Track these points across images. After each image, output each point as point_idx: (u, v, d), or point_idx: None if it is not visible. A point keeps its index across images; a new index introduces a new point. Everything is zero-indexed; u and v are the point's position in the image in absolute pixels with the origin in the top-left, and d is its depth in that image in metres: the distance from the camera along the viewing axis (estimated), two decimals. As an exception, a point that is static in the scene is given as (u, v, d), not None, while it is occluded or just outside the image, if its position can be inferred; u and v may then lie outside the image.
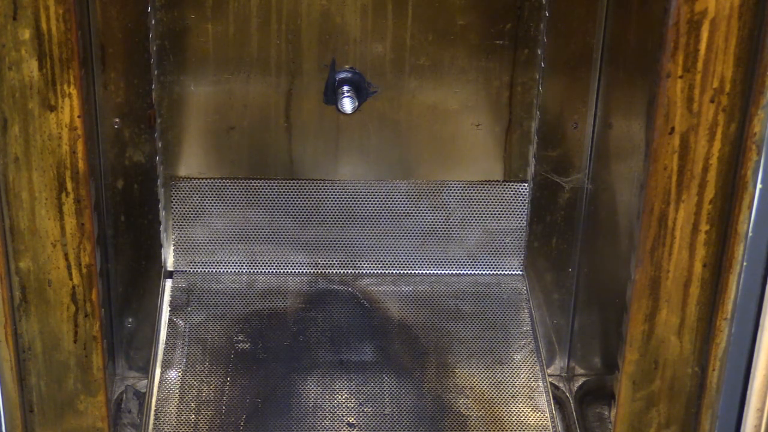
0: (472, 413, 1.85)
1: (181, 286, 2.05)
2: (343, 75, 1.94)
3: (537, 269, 2.08)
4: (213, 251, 2.07)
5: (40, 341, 1.59)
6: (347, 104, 1.93)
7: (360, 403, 1.86)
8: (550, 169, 2.00)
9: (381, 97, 1.96)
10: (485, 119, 1.99)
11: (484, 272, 2.10)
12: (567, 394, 2.04)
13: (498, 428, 1.83)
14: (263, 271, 2.09)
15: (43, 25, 1.43)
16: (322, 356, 1.94)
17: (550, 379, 1.98)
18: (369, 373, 1.91)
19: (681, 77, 1.46)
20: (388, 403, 1.86)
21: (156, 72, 1.91)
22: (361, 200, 2.04)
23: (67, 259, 1.54)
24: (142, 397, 1.94)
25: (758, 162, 1.51)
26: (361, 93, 1.95)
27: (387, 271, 2.10)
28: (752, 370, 1.63)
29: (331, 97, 1.95)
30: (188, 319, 2.00)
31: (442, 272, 2.10)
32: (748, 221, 1.55)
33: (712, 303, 1.61)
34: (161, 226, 2.02)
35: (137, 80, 1.89)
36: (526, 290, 2.07)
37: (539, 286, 2.08)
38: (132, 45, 1.86)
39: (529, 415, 1.85)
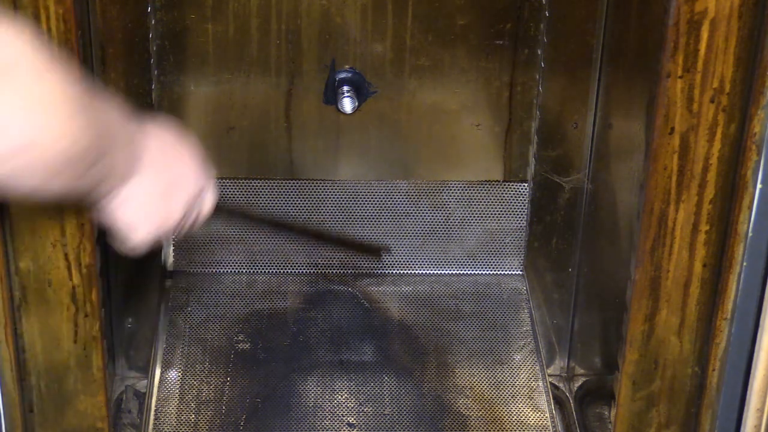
0: (472, 413, 1.85)
1: (181, 286, 2.05)
2: (343, 75, 1.94)
3: (537, 269, 2.08)
4: (213, 251, 2.07)
5: (40, 341, 1.59)
6: (347, 104, 1.93)
7: (360, 403, 1.86)
8: (550, 169, 2.00)
9: (381, 97, 1.96)
10: (485, 119, 1.99)
11: (484, 272, 2.10)
12: (567, 394, 2.03)
13: (498, 428, 1.83)
14: (263, 271, 2.09)
15: (43, 25, 1.43)
16: (322, 356, 1.94)
17: (550, 379, 1.98)
18: (369, 373, 1.91)
19: (681, 77, 1.46)
20: (388, 403, 1.86)
21: (156, 72, 1.91)
22: (361, 200, 2.04)
23: (67, 259, 1.54)
24: (142, 397, 1.94)
25: (758, 162, 1.51)
26: (361, 93, 1.95)
27: (387, 271, 2.10)
28: (752, 370, 1.63)
29: (331, 97, 1.95)
30: (188, 319, 2.00)
31: (442, 272, 2.10)
32: (748, 221, 1.55)
33: (712, 303, 1.61)
34: (161, 226, 2.02)
35: (137, 80, 1.89)
36: (526, 290, 2.07)
37: (539, 286, 2.08)
38: (132, 45, 1.86)
39: (529, 415, 1.85)
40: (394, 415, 1.84)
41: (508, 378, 1.91)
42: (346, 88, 1.94)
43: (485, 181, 2.04)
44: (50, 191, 1.09)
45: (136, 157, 1.23)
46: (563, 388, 2.05)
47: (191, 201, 1.35)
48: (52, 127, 1.02)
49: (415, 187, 2.04)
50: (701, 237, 1.57)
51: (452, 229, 2.07)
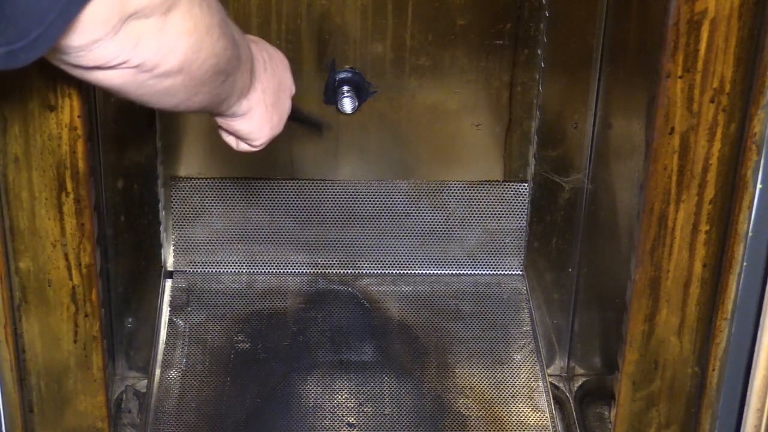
0: (472, 413, 1.85)
1: (181, 286, 2.05)
2: (343, 75, 1.94)
3: (537, 269, 2.08)
4: (213, 251, 2.07)
5: (40, 341, 1.59)
6: (347, 104, 1.93)
7: (360, 403, 1.86)
8: (550, 169, 2.00)
9: (381, 97, 1.96)
10: (485, 119, 1.99)
11: (484, 272, 2.10)
12: (567, 394, 2.04)
13: (498, 428, 1.83)
14: (263, 271, 2.09)
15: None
16: (322, 356, 1.94)
17: (550, 379, 1.99)
18: (369, 373, 1.91)
19: (681, 77, 1.46)
20: (388, 403, 1.86)
21: (156, 72, 1.90)
22: (361, 200, 2.04)
23: (67, 259, 1.54)
24: (142, 397, 1.94)
25: (758, 162, 1.51)
26: (361, 93, 1.95)
27: (387, 271, 2.10)
28: (752, 370, 1.63)
29: (331, 97, 1.95)
30: (188, 319, 2.00)
31: (442, 272, 2.10)
32: (748, 221, 1.55)
33: (712, 303, 1.61)
34: (161, 226, 2.02)
35: (137, 80, 1.88)
36: (526, 290, 2.07)
37: (539, 286, 2.08)
38: (132, 45, 1.85)
39: (529, 415, 1.85)
40: (394, 415, 1.84)
41: (508, 378, 1.91)
42: (346, 88, 1.94)
43: (485, 181, 2.04)
44: (189, 106, 1.23)
45: (253, 72, 1.35)
46: (563, 388, 2.05)
47: (291, 96, 1.48)
48: (207, 47, 1.16)
49: (415, 187, 2.04)
50: (701, 237, 1.57)
51: (452, 229, 2.07)
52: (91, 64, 1.08)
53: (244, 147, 1.44)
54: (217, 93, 1.26)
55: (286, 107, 1.45)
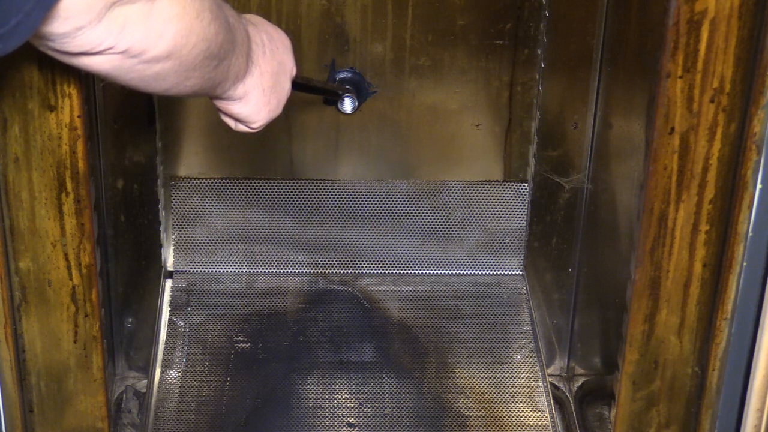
0: (472, 413, 1.85)
1: (181, 286, 2.05)
2: (343, 75, 1.94)
3: (537, 269, 2.08)
4: (213, 251, 2.07)
5: (40, 341, 1.59)
6: (347, 104, 1.93)
7: (360, 403, 1.86)
8: (550, 169, 2.00)
9: (381, 97, 1.96)
10: (485, 119, 1.99)
11: (484, 272, 2.10)
12: (567, 394, 2.04)
13: (498, 428, 1.83)
14: (263, 271, 2.09)
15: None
16: (322, 356, 1.94)
17: (550, 379, 1.99)
18: (369, 373, 1.91)
19: (681, 77, 1.46)
20: (388, 403, 1.86)
21: (156, 72, 1.90)
22: (361, 200, 2.04)
23: (67, 259, 1.54)
24: (142, 397, 1.94)
25: (758, 162, 1.51)
26: (361, 93, 1.95)
27: (387, 271, 2.10)
28: (752, 370, 1.63)
29: (331, 97, 1.95)
30: (188, 319, 2.00)
31: (442, 272, 2.10)
32: (748, 221, 1.55)
33: (712, 303, 1.61)
34: (161, 226, 2.02)
35: (137, 80, 1.88)
36: (526, 290, 2.07)
37: (539, 286, 2.08)
38: (132, 45, 1.85)
39: (529, 415, 1.85)
40: (394, 415, 1.84)
41: (508, 378, 1.91)
42: (346, 88, 1.94)
43: (485, 181, 2.04)
44: (181, 91, 1.22)
45: (249, 56, 1.34)
46: (563, 388, 2.05)
47: (292, 78, 1.47)
48: (197, 32, 1.16)
49: (415, 187, 2.04)
50: (701, 237, 1.57)
51: (452, 229, 2.07)
52: (77, 50, 1.08)
53: (242, 128, 1.43)
54: (210, 77, 1.25)
55: (285, 89, 1.44)
